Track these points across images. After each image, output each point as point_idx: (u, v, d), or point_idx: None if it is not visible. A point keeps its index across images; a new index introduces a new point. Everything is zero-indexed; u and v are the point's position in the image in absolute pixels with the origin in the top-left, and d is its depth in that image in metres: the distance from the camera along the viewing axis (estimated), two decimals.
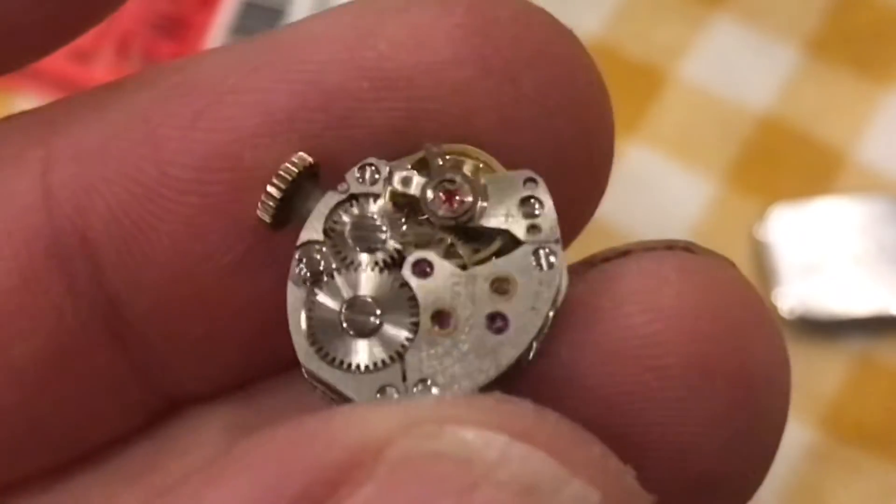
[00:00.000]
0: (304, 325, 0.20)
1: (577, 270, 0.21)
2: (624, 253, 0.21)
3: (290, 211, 0.21)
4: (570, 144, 0.21)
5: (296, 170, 0.21)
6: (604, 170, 0.22)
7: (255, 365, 0.22)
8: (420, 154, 0.21)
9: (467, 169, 0.21)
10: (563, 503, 0.17)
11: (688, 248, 0.21)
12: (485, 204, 0.20)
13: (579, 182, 0.22)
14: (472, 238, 0.20)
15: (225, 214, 0.21)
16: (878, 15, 0.51)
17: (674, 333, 0.21)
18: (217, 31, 0.50)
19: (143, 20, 0.50)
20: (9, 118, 0.23)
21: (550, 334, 0.20)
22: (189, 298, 0.22)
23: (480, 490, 0.17)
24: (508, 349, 0.20)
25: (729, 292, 0.21)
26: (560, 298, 0.20)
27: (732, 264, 0.22)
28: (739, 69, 0.51)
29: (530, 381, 0.19)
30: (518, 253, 0.20)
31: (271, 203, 0.21)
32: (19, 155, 0.22)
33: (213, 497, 0.17)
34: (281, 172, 0.21)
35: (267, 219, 0.21)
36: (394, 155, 0.21)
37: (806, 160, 0.49)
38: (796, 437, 0.38)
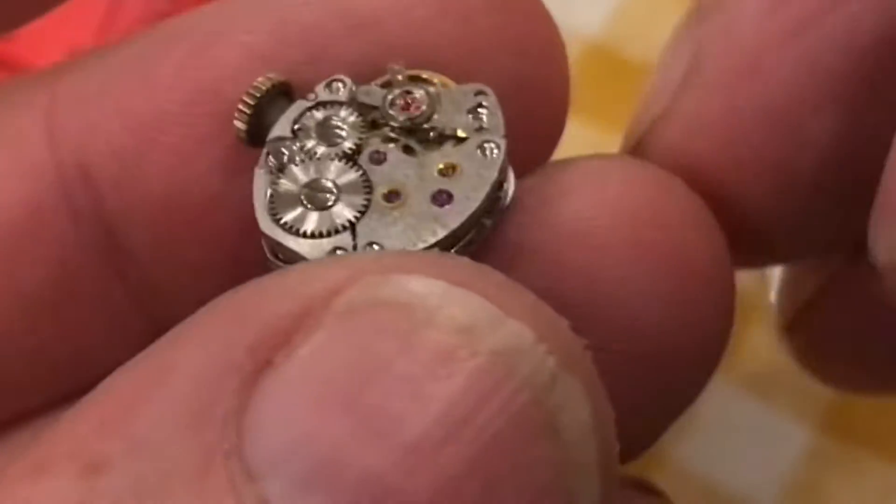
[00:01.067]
0: (267, 199, 0.22)
1: (531, 170, 0.23)
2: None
3: (264, 127, 0.23)
4: (522, 79, 0.24)
5: (268, 83, 0.23)
6: (558, 104, 0.25)
7: None
8: (385, 77, 0.23)
9: (425, 85, 0.23)
10: (499, 341, 0.18)
11: (637, 160, 0.24)
12: (438, 110, 0.23)
13: (535, 114, 0.24)
14: (426, 142, 0.23)
15: (210, 143, 0.24)
16: None
17: (615, 218, 0.23)
18: None
19: (142, 20, 0.50)
20: (18, 76, 0.26)
21: (498, 222, 0.23)
22: (180, 225, 0.24)
23: (421, 332, 0.18)
24: (451, 220, 0.22)
25: (670, 189, 0.24)
26: (507, 190, 0.23)
27: (670, 174, 0.24)
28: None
29: (480, 259, 0.21)
30: (465, 145, 0.23)
31: (245, 111, 0.23)
32: (26, 101, 0.25)
33: (177, 355, 0.19)
34: (254, 84, 0.23)
35: (242, 127, 0.23)
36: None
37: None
38: (796, 437, 0.38)
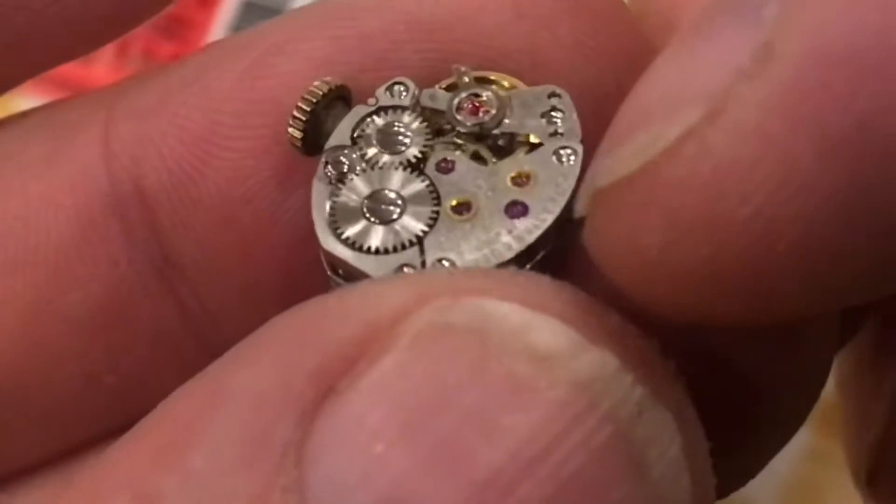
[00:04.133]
0: (327, 212, 0.21)
1: None
2: None
3: (321, 134, 0.22)
4: (605, 90, 0.22)
5: (325, 87, 0.22)
6: None
7: None
8: (450, 79, 0.22)
9: (494, 88, 0.22)
10: (580, 370, 0.17)
11: None
12: (509, 114, 0.21)
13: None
14: (497, 149, 0.21)
15: (266, 156, 0.23)
16: None
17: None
18: (217, 31, 0.50)
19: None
20: (73, 96, 0.25)
21: (576, 232, 0.20)
22: (234, 243, 0.23)
23: (495, 361, 0.17)
24: (527, 233, 0.20)
25: None
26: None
27: None
28: None
29: (559, 274, 0.20)
30: (539, 152, 0.21)
31: (301, 117, 0.22)
32: (83, 117, 0.24)
33: (234, 380, 0.18)
34: (310, 90, 0.22)
35: (297, 135, 0.22)
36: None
37: None
38: (796, 437, 0.38)
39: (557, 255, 0.21)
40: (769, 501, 0.32)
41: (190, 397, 0.19)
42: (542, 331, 0.17)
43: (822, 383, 0.22)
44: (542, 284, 0.19)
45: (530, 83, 0.22)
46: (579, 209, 0.19)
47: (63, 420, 0.25)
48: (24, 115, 0.26)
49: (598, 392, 0.17)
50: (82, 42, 0.25)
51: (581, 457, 0.17)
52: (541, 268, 0.21)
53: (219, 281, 0.24)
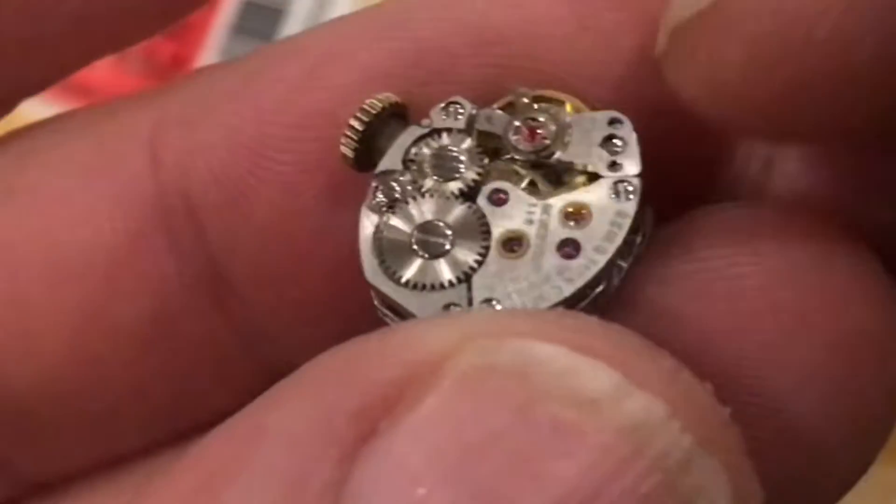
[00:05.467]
0: (373, 245, 0.20)
1: (674, 216, 0.21)
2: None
3: (375, 151, 0.21)
4: (673, 109, 0.21)
5: (380, 104, 0.21)
6: (711, 140, 0.22)
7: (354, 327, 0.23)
8: (508, 98, 0.21)
9: (553, 110, 0.21)
10: (625, 416, 0.17)
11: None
12: (568, 140, 0.21)
13: (682, 147, 0.22)
14: (553, 177, 0.21)
15: (318, 171, 0.22)
16: None
17: (768, 277, 0.20)
18: (217, 31, 0.50)
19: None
20: (121, 98, 0.25)
21: (633, 270, 0.20)
22: (284, 259, 0.23)
23: (539, 404, 0.17)
24: (577, 275, 0.20)
25: (833, 245, 0.21)
26: (645, 232, 0.20)
27: (843, 225, 0.21)
28: None
29: (611, 316, 0.19)
30: (596, 185, 0.20)
31: (353, 136, 0.21)
32: (129, 123, 0.24)
33: (273, 419, 0.18)
34: (364, 106, 0.21)
35: (349, 153, 0.21)
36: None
37: None
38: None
39: (611, 289, 0.20)
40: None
41: (228, 436, 0.18)
42: (587, 374, 0.17)
43: (880, 441, 0.22)
44: (590, 326, 0.18)
45: (592, 100, 0.21)
46: (659, 46, 0.19)
47: (111, 429, 0.24)
48: (68, 118, 0.25)
49: (645, 438, 0.17)
50: (118, 38, 0.25)
51: None
52: (593, 303, 0.20)
53: (268, 295, 0.23)
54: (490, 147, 0.21)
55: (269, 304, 0.23)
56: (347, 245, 0.21)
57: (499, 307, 0.20)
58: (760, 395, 0.20)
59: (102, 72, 0.49)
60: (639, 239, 0.20)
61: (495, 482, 0.16)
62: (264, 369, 0.24)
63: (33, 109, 0.26)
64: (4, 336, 0.24)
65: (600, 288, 0.20)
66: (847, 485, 0.22)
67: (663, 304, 0.20)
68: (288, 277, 0.23)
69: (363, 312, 0.21)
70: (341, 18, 0.23)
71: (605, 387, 0.17)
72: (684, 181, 0.22)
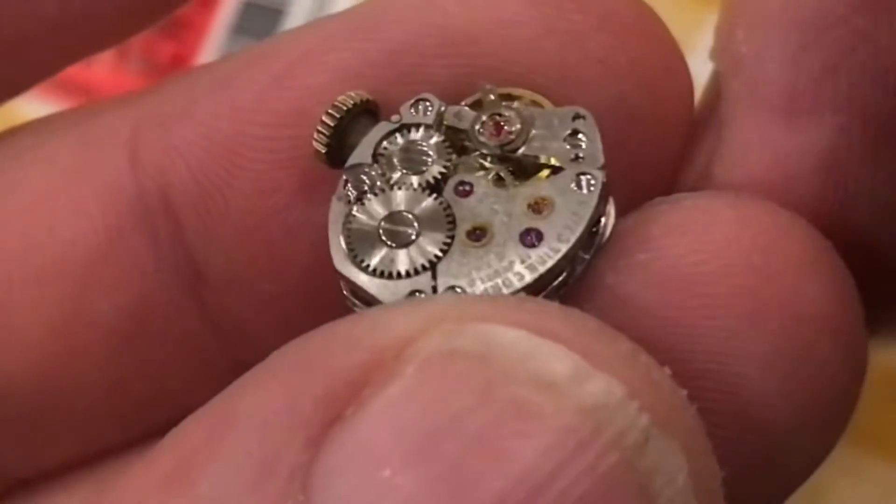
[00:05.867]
0: (342, 234, 0.21)
1: (633, 206, 0.22)
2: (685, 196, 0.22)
3: (346, 147, 0.22)
4: (636, 107, 0.22)
5: (351, 101, 0.22)
6: (672, 136, 0.23)
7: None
8: (476, 96, 0.22)
9: (519, 107, 0.22)
10: (584, 397, 0.17)
11: (754, 195, 0.22)
12: (532, 135, 0.21)
13: (644, 144, 0.23)
14: (518, 170, 0.22)
15: (293, 169, 0.23)
16: None
17: (723, 264, 0.21)
18: (217, 31, 0.50)
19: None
20: (100, 101, 0.26)
21: (594, 261, 0.21)
22: (260, 256, 0.23)
23: (500, 387, 0.17)
24: (539, 263, 0.20)
25: (784, 231, 0.22)
26: (607, 224, 0.21)
27: (801, 218, 0.22)
28: None
29: (572, 303, 0.20)
30: (559, 177, 0.21)
31: (325, 132, 0.22)
32: (109, 124, 0.24)
33: (243, 405, 0.18)
34: (336, 103, 0.22)
35: (321, 148, 0.22)
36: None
37: None
38: None
39: (572, 279, 0.21)
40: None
41: (199, 423, 0.19)
42: (547, 357, 0.17)
43: (841, 421, 0.22)
44: (550, 311, 0.19)
45: (558, 99, 0.22)
46: None
47: (92, 424, 0.25)
48: (50, 119, 0.26)
49: (604, 419, 0.17)
50: (110, 34, 0.26)
51: (586, 483, 0.17)
52: (554, 293, 0.21)
53: (245, 291, 0.24)
54: (457, 142, 0.22)
55: (245, 299, 0.24)
56: (322, 241, 0.22)
57: (461, 291, 0.20)
58: (717, 380, 0.21)
59: (102, 71, 0.49)
60: (600, 230, 0.21)
61: (458, 462, 0.17)
62: (241, 364, 0.25)
63: (33, 110, 0.27)
64: None
65: (562, 277, 0.21)
66: (808, 467, 0.23)
67: (621, 292, 0.21)
68: (263, 273, 0.24)
69: (337, 307, 0.21)
70: (316, 21, 0.24)
71: (565, 369, 0.17)
72: (644, 176, 0.23)
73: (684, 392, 0.18)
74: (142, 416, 0.25)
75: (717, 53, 0.24)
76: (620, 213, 0.22)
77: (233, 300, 0.24)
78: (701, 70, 0.49)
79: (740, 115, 0.23)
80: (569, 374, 0.17)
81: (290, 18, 0.51)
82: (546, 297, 0.21)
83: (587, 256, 0.21)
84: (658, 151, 0.23)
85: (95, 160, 0.24)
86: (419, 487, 0.17)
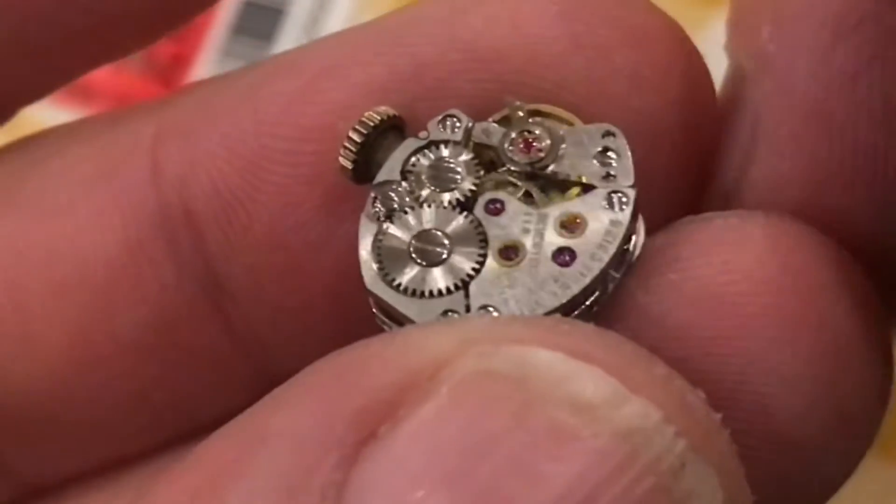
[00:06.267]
0: (372, 253, 0.21)
1: (663, 226, 0.22)
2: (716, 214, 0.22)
3: (373, 163, 0.22)
4: (664, 121, 0.22)
5: (378, 117, 0.22)
6: (700, 149, 0.23)
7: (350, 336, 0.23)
8: (504, 112, 0.22)
9: (548, 124, 0.22)
10: (621, 421, 0.17)
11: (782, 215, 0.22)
12: (562, 152, 0.21)
13: (672, 159, 0.23)
14: (548, 188, 0.21)
15: (317, 184, 0.23)
16: None
17: (755, 285, 0.21)
18: (217, 31, 0.50)
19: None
20: (122, 108, 0.26)
21: (625, 279, 0.21)
22: (283, 270, 0.23)
23: (535, 409, 0.17)
24: (573, 282, 0.20)
25: (814, 252, 0.22)
26: (637, 242, 0.21)
27: (829, 238, 0.22)
28: None
29: (604, 322, 0.20)
30: (591, 195, 0.21)
31: (352, 148, 0.22)
32: (131, 133, 0.24)
33: (275, 421, 0.18)
34: (363, 119, 0.22)
35: (348, 164, 0.22)
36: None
37: None
38: None
39: (604, 298, 0.21)
40: None
41: (229, 438, 0.19)
42: (584, 380, 0.17)
43: (867, 440, 0.23)
44: (586, 333, 0.19)
45: (587, 115, 0.22)
46: None
47: (111, 433, 0.25)
48: (72, 127, 0.26)
49: (640, 443, 0.17)
50: (130, 40, 0.26)
51: None
52: (586, 312, 0.21)
53: (266, 304, 0.24)
54: (486, 159, 0.22)
55: (267, 313, 0.24)
56: (345, 257, 0.22)
57: (496, 313, 0.20)
58: (748, 400, 0.21)
59: (102, 72, 0.49)
60: (631, 248, 0.21)
61: (493, 484, 0.17)
62: (262, 377, 0.25)
63: (32, 109, 0.27)
64: (6, 342, 0.24)
65: (594, 296, 0.21)
66: (833, 486, 0.23)
67: (653, 311, 0.21)
68: (286, 287, 0.23)
69: (361, 322, 0.21)
70: (340, 33, 0.24)
71: (602, 392, 0.17)
72: (673, 190, 0.23)
73: (719, 416, 0.18)
74: (162, 426, 0.25)
75: (740, 50, 0.24)
76: (650, 230, 0.22)
77: (254, 313, 0.24)
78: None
79: (775, 118, 0.23)
80: (605, 398, 0.17)
81: (290, 18, 0.51)
82: (578, 316, 0.21)
83: (618, 275, 0.21)
84: (686, 165, 0.23)
85: (117, 170, 0.24)
86: None
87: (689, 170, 0.23)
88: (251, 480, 0.18)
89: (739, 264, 0.21)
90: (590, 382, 0.17)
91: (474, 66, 0.22)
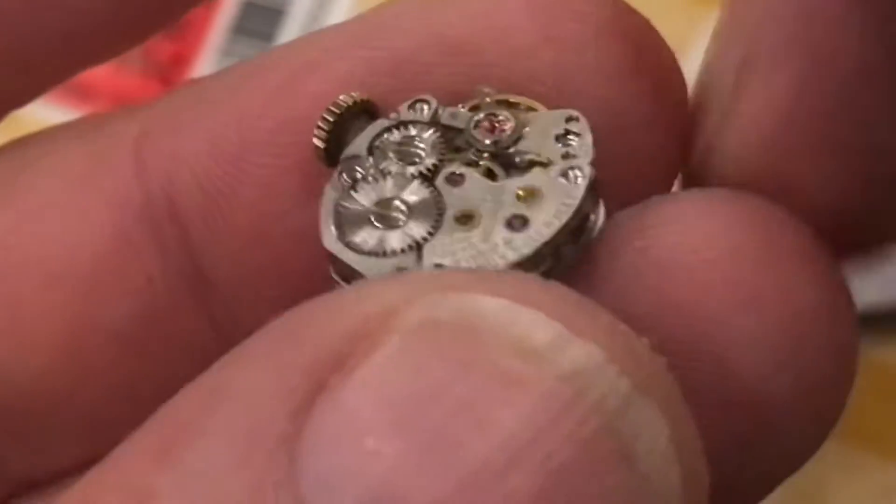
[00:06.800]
0: (333, 216, 0.22)
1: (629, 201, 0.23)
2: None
3: (345, 145, 0.23)
4: (634, 115, 0.23)
5: (351, 100, 0.23)
6: (671, 142, 0.23)
7: None
8: (474, 101, 0.23)
9: (514, 110, 0.22)
10: (566, 363, 0.17)
11: (748, 193, 0.23)
12: (524, 134, 0.22)
13: (642, 151, 0.23)
14: (510, 166, 0.22)
15: (297, 174, 0.23)
16: None
17: (719, 252, 0.22)
18: (217, 31, 0.51)
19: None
20: (108, 112, 0.26)
21: (580, 254, 0.21)
22: (265, 261, 0.24)
23: (483, 354, 0.17)
24: (524, 245, 0.21)
25: (780, 223, 0.22)
26: (597, 221, 0.22)
27: (783, 207, 0.22)
28: None
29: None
30: (549, 170, 0.22)
31: (324, 127, 0.22)
32: (117, 132, 0.25)
33: (230, 381, 0.19)
34: (336, 101, 0.23)
35: (320, 144, 0.23)
36: None
37: None
38: None
39: (559, 272, 0.21)
40: (768, 501, 0.32)
41: (189, 397, 0.19)
42: (528, 325, 0.18)
43: (833, 413, 0.23)
44: (531, 282, 0.19)
45: (555, 107, 0.22)
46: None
47: (101, 426, 0.25)
48: (59, 129, 0.26)
49: (585, 384, 0.17)
50: (120, 41, 0.26)
51: (568, 448, 0.17)
52: None
53: (251, 296, 0.24)
54: (452, 141, 0.22)
55: (251, 304, 0.24)
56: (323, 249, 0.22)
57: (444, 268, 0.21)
58: (710, 362, 0.21)
59: (102, 72, 0.49)
60: (589, 226, 0.22)
61: (442, 430, 0.17)
62: None
63: (32, 109, 0.27)
64: None
65: (546, 265, 0.21)
66: (794, 462, 0.23)
67: (616, 279, 0.22)
68: (269, 277, 0.24)
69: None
70: (323, 30, 0.25)
71: (546, 337, 0.17)
72: (643, 181, 0.23)
73: (663, 359, 0.19)
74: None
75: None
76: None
77: (239, 305, 0.24)
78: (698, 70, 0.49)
79: (746, 82, 0.23)
80: (549, 342, 0.17)
81: (290, 18, 0.51)
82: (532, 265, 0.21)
83: (574, 252, 0.21)
84: (656, 158, 0.23)
85: (102, 169, 0.25)
86: (403, 455, 0.17)
87: (659, 161, 0.24)
88: (209, 437, 0.18)
89: (704, 233, 0.22)
90: (534, 327, 0.18)
91: (449, 59, 0.23)
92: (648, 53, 0.23)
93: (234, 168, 0.24)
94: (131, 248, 0.24)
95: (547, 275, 0.21)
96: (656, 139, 0.23)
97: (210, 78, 0.25)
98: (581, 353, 0.18)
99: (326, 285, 0.22)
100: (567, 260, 0.21)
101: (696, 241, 0.22)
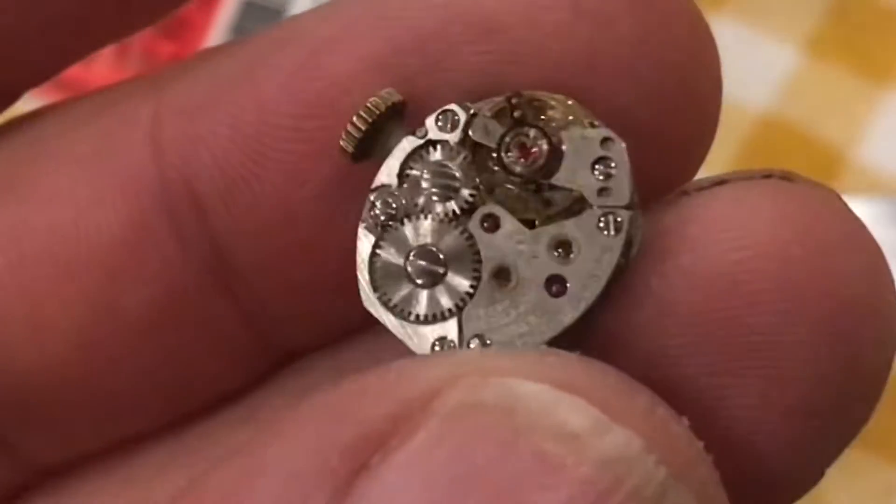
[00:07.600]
0: (368, 269, 0.21)
1: (670, 199, 0.22)
2: (719, 182, 0.22)
3: (372, 145, 0.22)
4: (667, 93, 0.22)
5: (383, 104, 0.22)
6: (705, 124, 0.23)
7: (361, 311, 0.22)
8: (500, 103, 0.22)
9: (551, 114, 0.21)
10: (605, 449, 0.17)
11: (785, 176, 0.22)
12: (559, 160, 0.21)
13: (676, 135, 0.22)
14: (544, 197, 0.21)
15: (321, 160, 0.23)
16: (877, 14, 0.51)
17: (765, 260, 0.21)
18: (217, 31, 0.51)
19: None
20: (120, 83, 0.25)
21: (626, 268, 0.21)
22: (291, 245, 0.23)
23: (523, 439, 0.18)
24: (564, 314, 0.21)
25: (826, 221, 0.21)
26: (634, 240, 0.21)
27: (834, 194, 0.22)
28: (739, 69, 0.51)
29: (622, 307, 0.21)
30: (584, 216, 0.21)
31: (355, 134, 0.22)
32: (130, 112, 0.24)
33: (270, 453, 0.18)
34: (368, 106, 0.22)
35: (349, 149, 0.22)
36: (484, 97, 0.22)
37: (806, 160, 0.49)
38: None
39: (594, 324, 0.21)
40: None
41: (226, 470, 0.19)
42: (568, 410, 0.18)
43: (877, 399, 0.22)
44: (571, 364, 0.19)
45: (590, 86, 0.22)
46: None
47: (119, 413, 0.25)
48: (64, 108, 0.26)
49: (622, 471, 0.17)
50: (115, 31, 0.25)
51: None
52: (575, 340, 0.21)
53: (274, 280, 0.24)
54: (485, 162, 0.22)
55: (274, 288, 0.24)
56: (351, 231, 0.22)
57: (488, 342, 0.21)
58: (760, 373, 0.21)
59: (102, 71, 0.49)
60: (627, 251, 0.21)
61: None
62: (270, 352, 0.25)
63: (27, 106, 0.26)
64: (12, 325, 0.24)
65: (583, 325, 0.21)
66: (837, 451, 0.23)
67: (667, 298, 0.21)
68: (293, 262, 0.23)
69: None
70: (339, 2, 0.23)
71: (585, 422, 0.18)
72: (679, 160, 0.23)
73: (701, 444, 0.19)
74: (170, 405, 0.25)
75: None
76: (654, 201, 0.22)
77: (262, 289, 0.24)
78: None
79: None
80: (589, 428, 0.18)
81: None
82: (572, 331, 0.21)
83: (614, 282, 0.21)
84: (692, 134, 0.23)
85: (116, 150, 0.24)
86: None
87: (695, 138, 0.23)
88: None
89: (750, 240, 0.21)
90: (574, 412, 0.18)
91: (476, 37, 0.22)
92: (681, 23, 0.22)
93: (255, 153, 0.23)
94: (149, 234, 0.24)
95: (584, 328, 0.21)
96: (690, 114, 0.22)
97: (224, 51, 0.24)
98: (619, 439, 0.18)
99: (355, 273, 0.22)
100: (607, 293, 0.21)
101: (741, 250, 0.21)
